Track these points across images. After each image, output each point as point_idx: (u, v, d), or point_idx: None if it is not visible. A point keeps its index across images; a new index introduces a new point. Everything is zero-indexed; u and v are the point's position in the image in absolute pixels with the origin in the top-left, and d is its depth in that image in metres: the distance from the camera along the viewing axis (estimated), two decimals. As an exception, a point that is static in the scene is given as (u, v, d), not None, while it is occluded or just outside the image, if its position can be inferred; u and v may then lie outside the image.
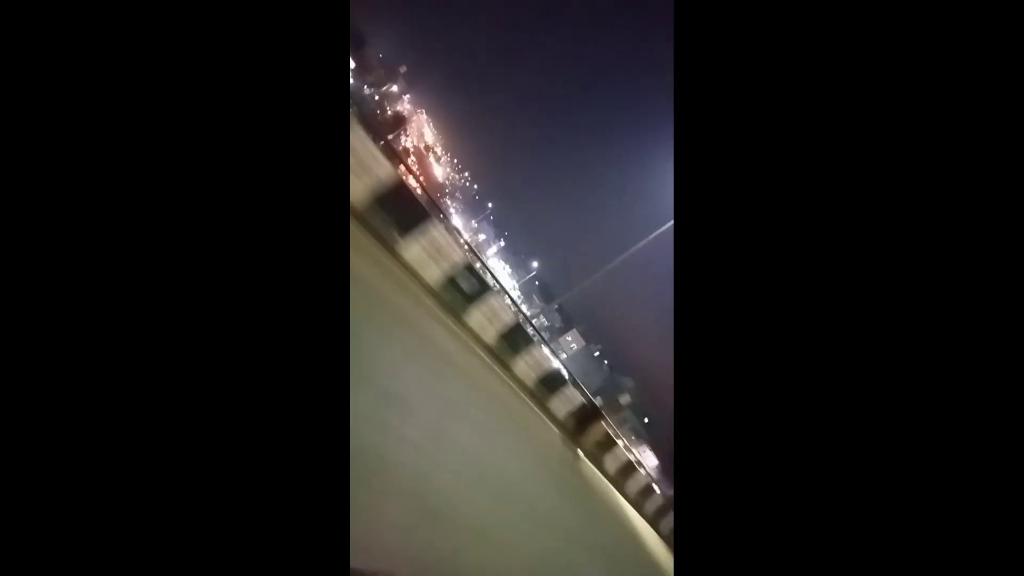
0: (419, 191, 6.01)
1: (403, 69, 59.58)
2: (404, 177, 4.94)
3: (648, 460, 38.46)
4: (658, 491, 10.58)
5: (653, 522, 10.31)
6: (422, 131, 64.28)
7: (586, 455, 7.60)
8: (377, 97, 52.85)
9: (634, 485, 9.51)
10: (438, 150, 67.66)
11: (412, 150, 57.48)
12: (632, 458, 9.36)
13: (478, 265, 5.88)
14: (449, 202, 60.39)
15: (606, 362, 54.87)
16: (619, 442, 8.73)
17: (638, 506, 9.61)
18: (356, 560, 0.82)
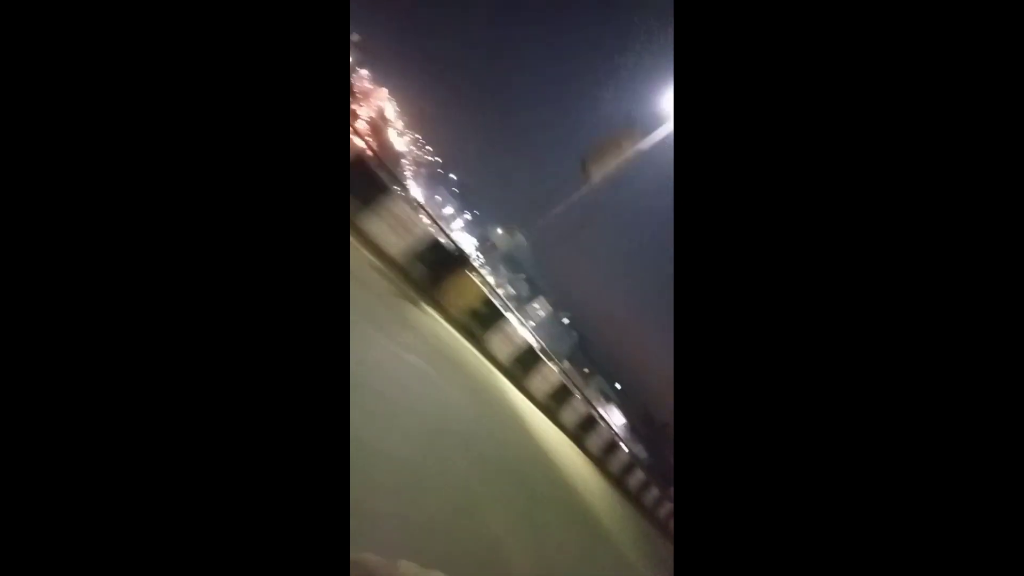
0: (370, 153, 5.71)
1: (355, 37, 56.28)
2: (351, 137, 4.63)
3: (615, 419, 39.91)
4: (576, 394, 9.92)
5: (576, 437, 9.91)
6: (382, 107, 62.05)
7: (460, 328, 6.49)
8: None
9: (544, 384, 8.66)
10: (399, 125, 65.68)
11: (367, 120, 55.36)
12: (535, 344, 8.38)
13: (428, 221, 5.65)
14: (409, 174, 58.98)
15: (575, 332, 56.04)
16: (509, 316, 7.54)
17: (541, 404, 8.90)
18: None
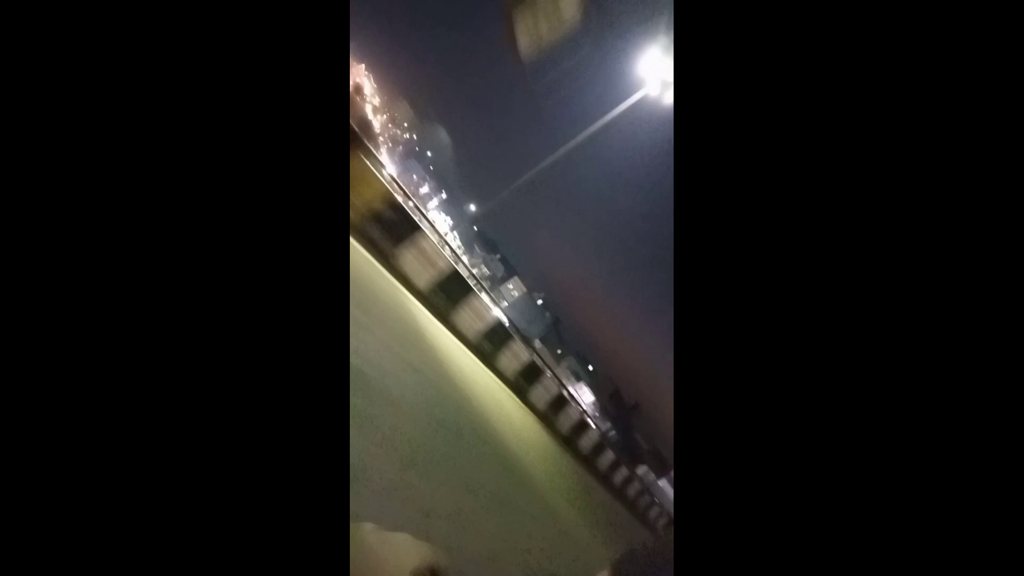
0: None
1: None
2: None
3: (584, 397, 39.72)
4: (517, 337, 8.77)
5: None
6: (360, 82, 61.01)
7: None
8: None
9: (477, 321, 7.52)
10: (376, 102, 64.70)
11: (340, 92, 53.96)
12: (465, 273, 7.26)
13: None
14: (385, 151, 58.02)
15: (548, 312, 55.73)
16: (425, 225, 6.47)
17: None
18: None
